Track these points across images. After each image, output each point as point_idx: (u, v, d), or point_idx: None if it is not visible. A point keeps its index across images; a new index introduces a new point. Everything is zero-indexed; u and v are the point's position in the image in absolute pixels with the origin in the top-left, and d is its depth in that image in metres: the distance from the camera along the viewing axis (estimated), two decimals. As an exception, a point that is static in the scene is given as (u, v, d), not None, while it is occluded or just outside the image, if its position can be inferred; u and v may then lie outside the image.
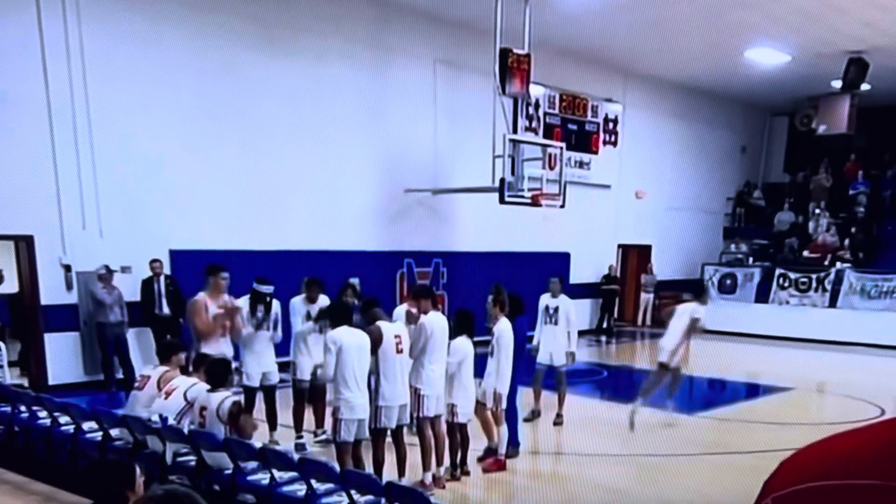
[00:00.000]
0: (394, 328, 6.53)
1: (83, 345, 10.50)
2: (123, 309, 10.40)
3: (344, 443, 6.20)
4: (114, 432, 6.53)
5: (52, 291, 10.13)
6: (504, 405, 7.23)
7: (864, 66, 14.99)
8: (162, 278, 10.60)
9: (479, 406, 7.20)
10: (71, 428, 6.82)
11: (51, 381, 10.08)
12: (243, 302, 7.47)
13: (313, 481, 5.19)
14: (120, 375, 10.32)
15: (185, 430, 5.93)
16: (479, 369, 7.23)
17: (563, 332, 8.94)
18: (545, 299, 9.07)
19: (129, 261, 10.54)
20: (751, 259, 19.14)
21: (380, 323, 6.46)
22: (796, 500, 0.87)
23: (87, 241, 10.16)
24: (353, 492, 4.96)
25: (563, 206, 13.08)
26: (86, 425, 6.78)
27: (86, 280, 10.29)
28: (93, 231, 10.20)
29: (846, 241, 17.94)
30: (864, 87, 15.64)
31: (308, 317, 7.87)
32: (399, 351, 6.43)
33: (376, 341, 6.32)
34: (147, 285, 10.65)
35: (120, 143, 10.19)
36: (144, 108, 10.37)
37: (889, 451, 0.84)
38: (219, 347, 7.11)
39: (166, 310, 10.63)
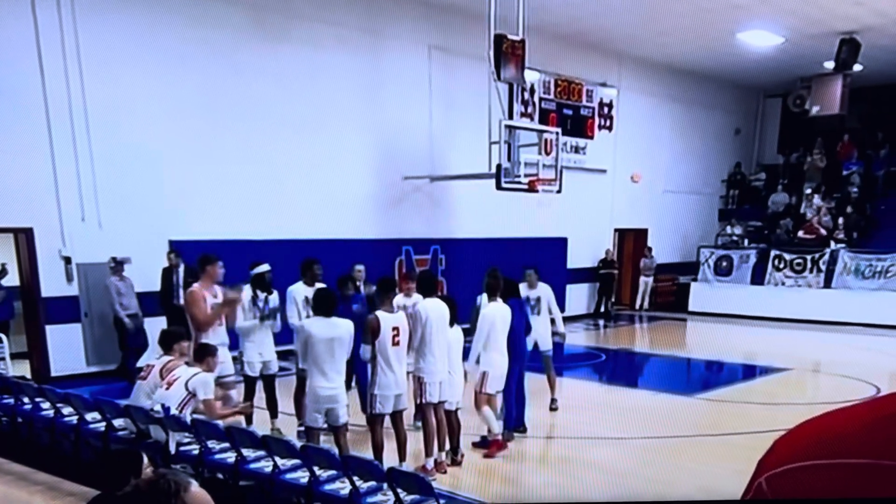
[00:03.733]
0: (393, 320, 6.43)
1: (85, 336, 10.53)
2: (134, 300, 10.46)
3: (309, 428, 6.26)
4: (117, 422, 6.56)
5: (52, 283, 10.18)
6: (491, 388, 7.23)
7: (856, 47, 14.98)
8: (181, 269, 10.60)
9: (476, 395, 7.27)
10: (74, 418, 6.86)
11: (53, 373, 10.13)
12: (247, 289, 7.45)
13: (316, 468, 5.23)
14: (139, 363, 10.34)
15: (188, 420, 5.98)
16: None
17: (544, 321, 8.85)
18: (524, 290, 8.75)
19: (128, 252, 10.51)
20: (746, 241, 19.14)
21: (379, 313, 6.39)
22: (790, 478, 0.88)
23: (87, 232, 10.20)
24: (355, 478, 5.01)
25: (559, 192, 13.08)
26: (89, 416, 6.81)
27: (86, 271, 10.32)
28: (92, 223, 10.23)
29: (840, 222, 17.99)
30: (857, 67, 15.61)
31: (307, 301, 7.84)
32: (395, 343, 6.37)
33: (374, 332, 6.32)
34: (167, 275, 10.68)
35: (116, 134, 10.19)
36: (140, 98, 10.36)
37: (882, 428, 0.85)
38: (217, 337, 7.06)
39: (181, 300, 10.64)
